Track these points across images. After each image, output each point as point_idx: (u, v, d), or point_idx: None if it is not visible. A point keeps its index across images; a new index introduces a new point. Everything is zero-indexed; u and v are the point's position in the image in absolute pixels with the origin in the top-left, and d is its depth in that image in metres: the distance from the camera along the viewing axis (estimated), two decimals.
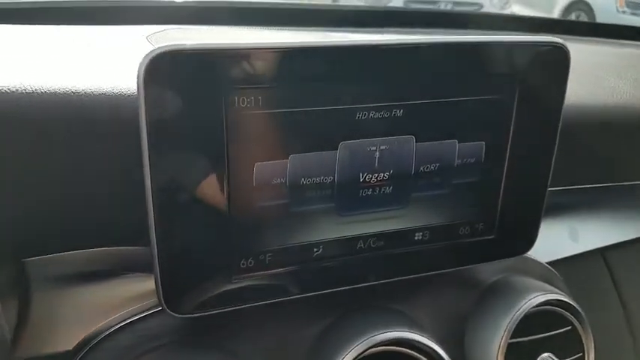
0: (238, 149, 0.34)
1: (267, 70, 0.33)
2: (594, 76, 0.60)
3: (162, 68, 0.30)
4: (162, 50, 0.30)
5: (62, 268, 0.41)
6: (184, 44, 0.30)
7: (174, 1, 0.71)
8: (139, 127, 0.31)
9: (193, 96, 0.32)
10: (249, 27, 0.67)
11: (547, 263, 0.53)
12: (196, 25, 0.64)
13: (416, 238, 0.41)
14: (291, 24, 0.71)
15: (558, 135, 0.42)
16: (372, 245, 0.40)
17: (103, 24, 0.58)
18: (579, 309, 0.46)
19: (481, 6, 4.17)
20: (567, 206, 0.60)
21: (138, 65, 0.30)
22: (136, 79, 0.30)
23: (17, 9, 0.59)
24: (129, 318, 0.39)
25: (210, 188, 0.34)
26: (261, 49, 0.32)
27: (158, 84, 0.31)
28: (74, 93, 0.38)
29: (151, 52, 0.30)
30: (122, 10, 0.63)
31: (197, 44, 0.31)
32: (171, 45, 0.30)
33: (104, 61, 0.46)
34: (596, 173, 0.60)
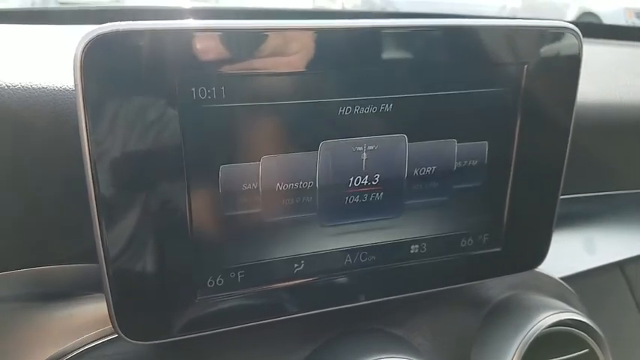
0: (198, 150, 0.30)
1: (233, 54, 0.29)
2: (608, 74, 0.56)
3: (103, 52, 0.26)
4: (104, 30, 0.26)
5: (6, 289, 0.37)
6: (128, 23, 0.26)
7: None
8: (78, 125, 0.27)
9: (141, 86, 0.27)
10: None
11: (560, 279, 0.51)
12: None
13: (411, 251, 0.38)
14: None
15: (571, 134, 0.39)
16: (362, 260, 0.37)
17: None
18: (597, 329, 0.43)
19: None
20: (582, 216, 0.57)
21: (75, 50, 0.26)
22: (72, 69, 0.26)
23: None
24: (85, 345, 0.36)
25: (167, 195, 0.30)
26: (225, 29, 0.28)
27: (98, 71, 0.26)
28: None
29: (89, 32, 0.25)
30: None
31: (144, 23, 0.26)
32: (114, 24, 0.26)
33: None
34: (613, 179, 0.57)
